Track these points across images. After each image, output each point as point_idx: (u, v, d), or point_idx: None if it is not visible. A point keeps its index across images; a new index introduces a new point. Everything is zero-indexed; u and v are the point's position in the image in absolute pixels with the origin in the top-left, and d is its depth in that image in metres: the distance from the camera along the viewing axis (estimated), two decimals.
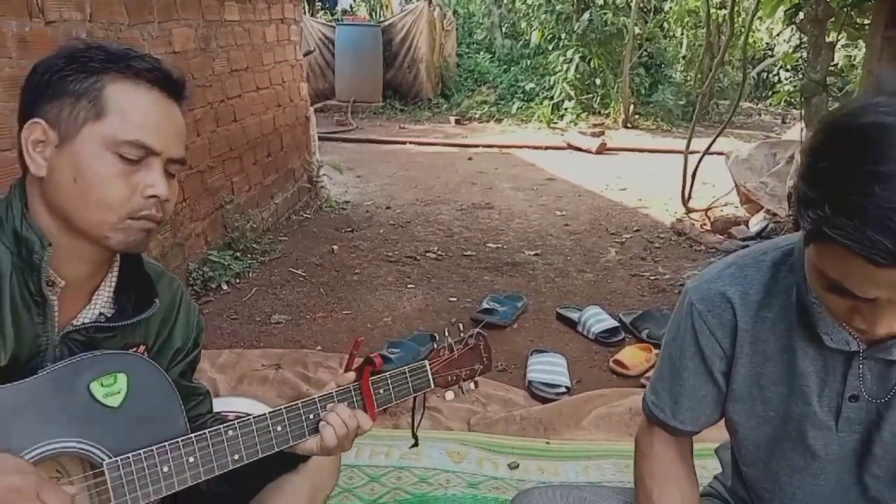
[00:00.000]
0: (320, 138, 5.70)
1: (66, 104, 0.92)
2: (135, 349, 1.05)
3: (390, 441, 2.15)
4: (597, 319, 2.93)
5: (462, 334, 1.28)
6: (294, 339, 2.92)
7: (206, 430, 1.00)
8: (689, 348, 1.04)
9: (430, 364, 1.23)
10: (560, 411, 2.31)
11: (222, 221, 3.71)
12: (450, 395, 1.22)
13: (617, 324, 2.92)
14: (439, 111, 9.89)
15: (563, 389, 2.45)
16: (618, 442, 2.17)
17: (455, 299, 3.33)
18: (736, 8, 4.73)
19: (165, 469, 0.96)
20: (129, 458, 0.94)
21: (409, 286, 3.51)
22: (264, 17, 4.27)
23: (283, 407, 1.08)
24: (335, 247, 4.08)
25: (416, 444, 1.38)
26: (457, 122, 9.21)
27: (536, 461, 2.08)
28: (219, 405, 1.39)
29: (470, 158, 7.02)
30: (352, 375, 1.16)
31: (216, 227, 3.66)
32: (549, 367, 2.54)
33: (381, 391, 1.17)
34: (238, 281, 3.50)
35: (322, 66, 9.70)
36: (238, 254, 3.67)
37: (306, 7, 10.04)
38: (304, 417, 1.09)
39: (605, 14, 8.65)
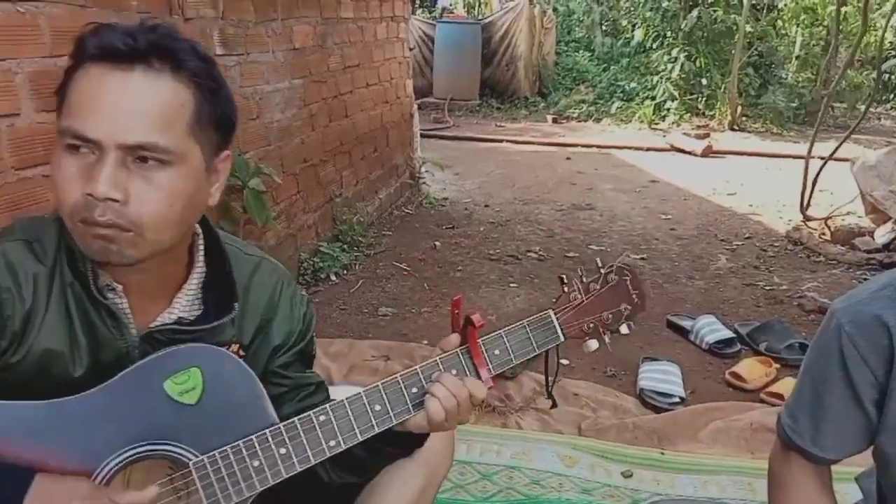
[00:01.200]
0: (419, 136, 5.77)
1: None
2: (226, 349, 0.98)
3: (501, 440, 2.14)
4: (711, 329, 2.81)
5: (601, 270, 1.08)
6: (401, 332, 2.97)
7: (296, 419, 0.93)
8: (836, 373, 0.98)
9: (555, 313, 1.05)
10: (675, 422, 2.23)
11: (331, 214, 3.81)
12: (592, 344, 1.06)
13: (732, 335, 2.80)
14: (536, 110, 9.80)
15: (677, 399, 2.37)
16: (737, 458, 2.08)
17: None
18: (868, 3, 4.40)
19: (256, 463, 0.91)
20: (215, 455, 0.89)
21: (511, 285, 3.49)
22: (376, 14, 4.35)
23: (379, 383, 0.98)
24: (437, 243, 4.11)
25: (554, 405, 1.25)
26: (554, 120, 9.11)
27: (651, 471, 2.02)
28: (333, 393, 1.31)
29: (568, 158, 6.92)
30: (456, 338, 1.02)
31: (326, 219, 3.77)
32: (662, 376, 2.46)
33: (497, 352, 1.02)
34: (346, 272, 3.58)
35: (421, 63, 9.81)
36: (345, 246, 3.76)
37: None
38: (405, 392, 0.98)
39: (714, 11, 8.33)
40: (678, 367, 2.54)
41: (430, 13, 11.32)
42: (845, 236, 4.06)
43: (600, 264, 1.08)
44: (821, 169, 4.40)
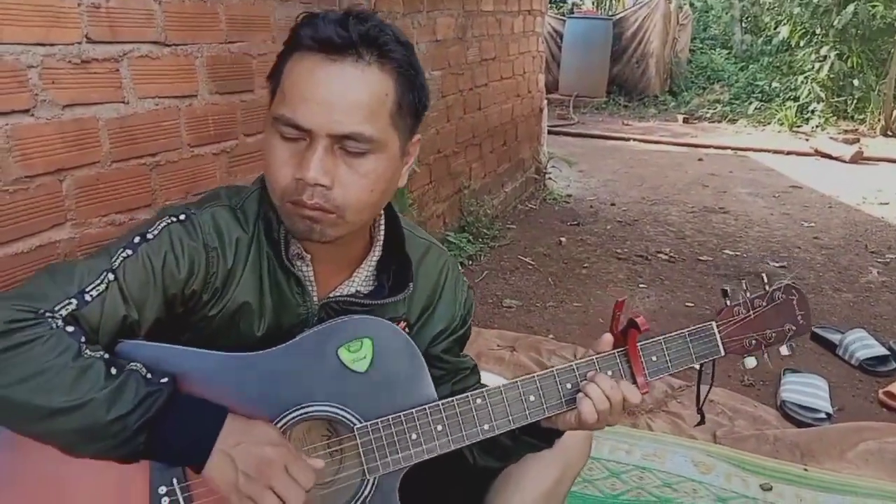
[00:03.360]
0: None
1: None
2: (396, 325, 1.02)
3: (631, 439, 2.10)
4: (863, 344, 2.61)
5: (767, 287, 1.06)
6: (526, 324, 2.97)
7: (454, 399, 0.96)
8: None
9: (717, 325, 1.04)
10: (821, 438, 2.10)
11: (459, 205, 3.87)
12: (751, 361, 1.05)
13: (887, 352, 2.59)
14: (665, 109, 9.47)
15: (824, 416, 2.22)
16: (890, 483, 1.93)
17: (692, 304, 3.16)
18: None
19: (414, 436, 0.94)
20: (377, 423, 0.93)
21: (640, 286, 3.40)
22: (514, 7, 4.36)
23: (535, 375, 0.99)
24: (563, 239, 4.07)
25: (702, 422, 1.19)
26: (685, 120, 8.76)
27: (793, 487, 1.91)
28: None
29: (700, 159, 6.63)
30: (609, 339, 1.02)
31: (454, 210, 3.83)
32: (806, 389, 2.32)
33: (654, 358, 1.01)
34: (471, 263, 3.62)
35: (548, 59, 9.68)
36: (471, 237, 3.80)
37: None
38: (559, 387, 0.99)
39: (873, 7, 7.69)
40: (825, 382, 2.38)
41: (558, 9, 11.19)
42: None
43: (766, 281, 1.07)
44: None
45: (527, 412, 0.98)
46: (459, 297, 1.11)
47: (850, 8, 7.71)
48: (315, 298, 1.00)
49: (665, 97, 9.75)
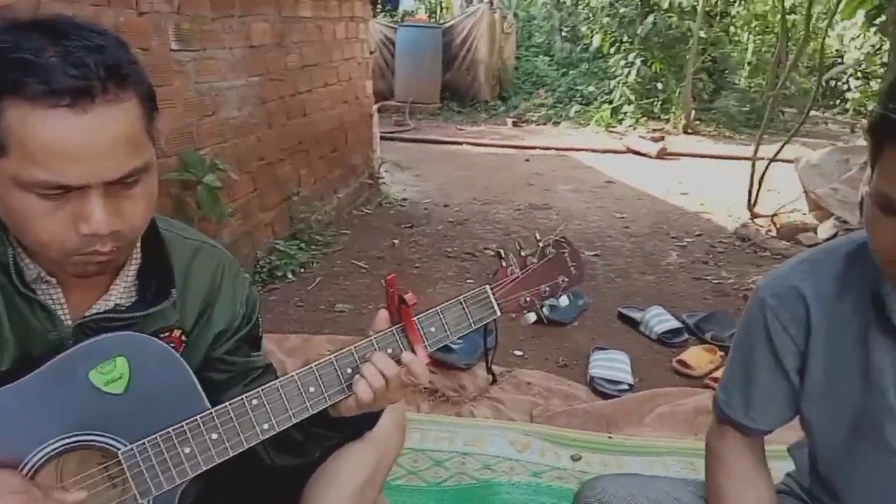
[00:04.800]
0: (379, 138, 5.80)
1: None
2: (167, 335, 0.98)
3: (454, 428, 2.18)
4: (660, 320, 2.90)
5: (539, 244, 1.07)
6: (357, 327, 2.98)
7: (228, 403, 0.92)
8: (762, 345, 1.03)
9: (491, 288, 1.04)
10: (623, 407, 2.30)
11: (289, 213, 3.82)
12: (530, 317, 1.06)
13: (680, 324, 2.89)
14: (496, 113, 9.91)
15: (626, 387, 2.44)
16: (681, 440, 2.16)
17: None
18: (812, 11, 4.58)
19: (187, 450, 0.90)
20: (144, 444, 0.88)
21: (468, 280, 3.54)
22: (335, 14, 4.37)
23: (314, 364, 0.95)
24: (396, 241, 4.14)
25: (494, 382, 1.23)
26: (514, 124, 9.22)
27: (599, 455, 2.08)
28: None
29: (527, 160, 7.01)
30: (385, 315, 0.99)
31: (283, 217, 3.77)
32: (611, 364, 2.53)
33: (433, 328, 1.00)
34: (303, 271, 3.59)
35: (382, 66, 9.83)
36: (303, 244, 3.77)
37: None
38: (339, 373, 0.96)
39: (669, 18, 8.54)
40: (627, 356, 2.62)
41: (391, 17, 11.35)
42: (790, 232, 4.21)
43: (538, 237, 1.08)
44: (766, 169, 4.56)
45: (307, 404, 0.95)
46: (240, 295, 1.07)
47: (650, 18, 8.51)
48: (68, 321, 0.92)
49: (495, 102, 10.20)
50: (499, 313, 1.04)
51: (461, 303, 1.02)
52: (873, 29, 8.16)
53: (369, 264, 3.75)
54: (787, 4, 8.27)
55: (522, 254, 1.06)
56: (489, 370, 1.18)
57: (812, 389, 1.02)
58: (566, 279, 1.08)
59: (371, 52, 6.32)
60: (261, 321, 1.15)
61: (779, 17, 8.81)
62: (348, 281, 3.52)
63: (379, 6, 11.04)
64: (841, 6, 4.02)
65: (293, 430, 0.99)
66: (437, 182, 5.89)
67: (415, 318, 1.00)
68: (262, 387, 0.94)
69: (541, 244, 1.07)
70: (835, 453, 1.03)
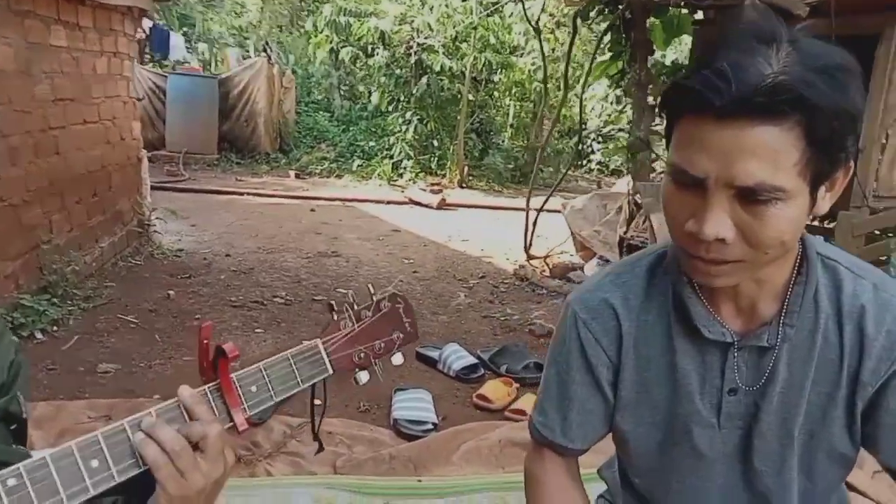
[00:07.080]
0: (150, 188, 5.31)
1: None
2: None
3: (249, 490, 1.94)
4: (457, 357, 2.92)
5: (373, 297, 0.99)
6: (126, 388, 2.60)
7: None
8: (576, 360, 1.01)
9: (323, 342, 0.93)
10: (429, 448, 2.23)
11: (38, 263, 3.28)
12: (363, 376, 0.96)
13: (476, 360, 2.93)
14: (278, 165, 9.68)
15: (430, 426, 2.39)
16: (491, 475, 2.14)
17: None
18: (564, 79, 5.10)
19: None
20: None
21: (257, 330, 3.30)
22: (95, 47, 3.95)
23: (99, 432, 0.73)
24: (171, 292, 3.75)
25: (321, 450, 1.09)
26: (297, 176, 9.07)
27: (410, 500, 1.99)
28: None
29: (313, 210, 6.89)
30: (187, 390, 0.80)
31: (30, 268, 3.22)
32: (414, 404, 2.47)
33: (254, 388, 0.86)
34: (56, 329, 3.08)
35: (152, 115, 9.15)
36: (56, 299, 3.24)
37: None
38: (134, 441, 0.74)
39: (441, 80, 9.06)
40: (429, 394, 2.57)
41: (161, 66, 10.66)
42: (562, 271, 4.56)
43: (372, 291, 0.99)
44: (536, 217, 4.94)
45: (88, 483, 0.71)
46: (2, 361, 0.85)
47: (424, 80, 8.97)
48: None
49: (277, 154, 9.98)
50: (331, 371, 0.93)
51: (288, 359, 0.90)
52: (611, 98, 9.49)
53: (140, 318, 3.33)
54: (540, 77, 9.28)
55: (357, 307, 0.96)
56: (316, 437, 1.03)
57: (625, 399, 1.01)
58: (401, 335, 1.01)
59: (139, 99, 5.84)
60: (22, 401, 0.87)
61: (535, 85, 9.88)
62: (114, 338, 3.08)
63: (147, 55, 10.33)
64: (592, 74, 4.55)
65: None
66: (216, 231, 5.52)
67: (233, 376, 0.84)
68: (26, 463, 0.69)
69: (375, 297, 0.99)
70: (650, 462, 1.03)
